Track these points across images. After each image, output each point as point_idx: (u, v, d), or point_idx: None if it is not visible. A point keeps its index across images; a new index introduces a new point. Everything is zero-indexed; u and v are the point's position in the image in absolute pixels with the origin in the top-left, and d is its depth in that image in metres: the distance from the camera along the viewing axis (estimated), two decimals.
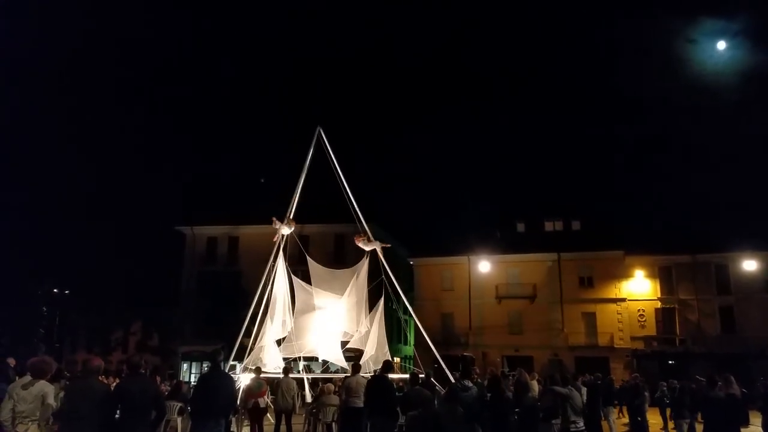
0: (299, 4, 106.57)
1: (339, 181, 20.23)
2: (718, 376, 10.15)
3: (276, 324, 19.29)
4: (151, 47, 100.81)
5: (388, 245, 20.79)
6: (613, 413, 16.66)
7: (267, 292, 19.56)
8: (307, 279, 21.32)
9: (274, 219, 20.21)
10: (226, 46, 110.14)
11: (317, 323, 20.03)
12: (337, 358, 19.90)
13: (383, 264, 20.31)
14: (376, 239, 20.85)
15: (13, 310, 35.96)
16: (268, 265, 19.60)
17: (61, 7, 72.08)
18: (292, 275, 20.40)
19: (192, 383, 22.89)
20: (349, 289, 19.93)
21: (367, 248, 20.52)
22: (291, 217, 20.15)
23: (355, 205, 20.14)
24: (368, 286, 20.27)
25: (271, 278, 19.52)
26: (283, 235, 20.13)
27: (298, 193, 20.21)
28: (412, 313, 22.73)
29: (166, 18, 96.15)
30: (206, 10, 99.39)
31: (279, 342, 19.58)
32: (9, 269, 35.55)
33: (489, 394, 10.01)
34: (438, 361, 19.45)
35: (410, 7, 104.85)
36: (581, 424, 9.99)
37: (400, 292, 20.83)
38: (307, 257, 21.37)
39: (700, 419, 13.64)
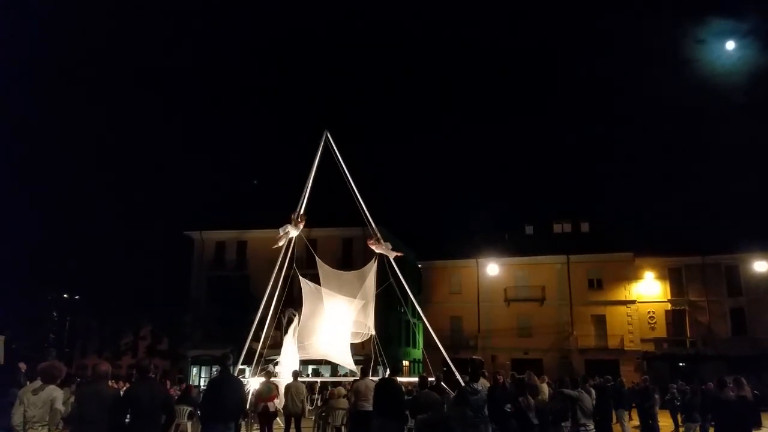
0: (300, 6, 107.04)
1: (348, 185, 20.00)
2: (730, 379, 10.09)
3: (290, 334, 19.06)
4: (155, 47, 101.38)
5: (401, 253, 20.41)
6: (625, 416, 16.54)
7: (275, 296, 19.32)
8: (315, 282, 21.20)
9: (280, 230, 18.71)
10: (229, 47, 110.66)
11: (326, 325, 19.87)
12: (347, 362, 19.77)
13: (389, 266, 20.05)
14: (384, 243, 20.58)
15: (24, 316, 36.17)
16: (275, 270, 19.28)
17: (61, 7, 72.44)
18: (301, 277, 20.23)
19: (201, 387, 22.93)
20: (360, 293, 19.77)
21: (378, 251, 20.29)
22: (301, 213, 18.66)
23: (365, 208, 19.93)
24: (377, 289, 20.13)
25: (279, 283, 19.26)
26: (290, 238, 18.97)
27: (306, 193, 19.69)
28: (422, 316, 22.56)
29: (169, 18, 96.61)
30: (209, 10, 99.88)
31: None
32: (19, 275, 35.79)
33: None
34: (447, 364, 19.27)
35: (411, 6, 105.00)
36: (591, 426, 9.97)
37: (411, 295, 20.63)
38: (316, 258, 21.14)
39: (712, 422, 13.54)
